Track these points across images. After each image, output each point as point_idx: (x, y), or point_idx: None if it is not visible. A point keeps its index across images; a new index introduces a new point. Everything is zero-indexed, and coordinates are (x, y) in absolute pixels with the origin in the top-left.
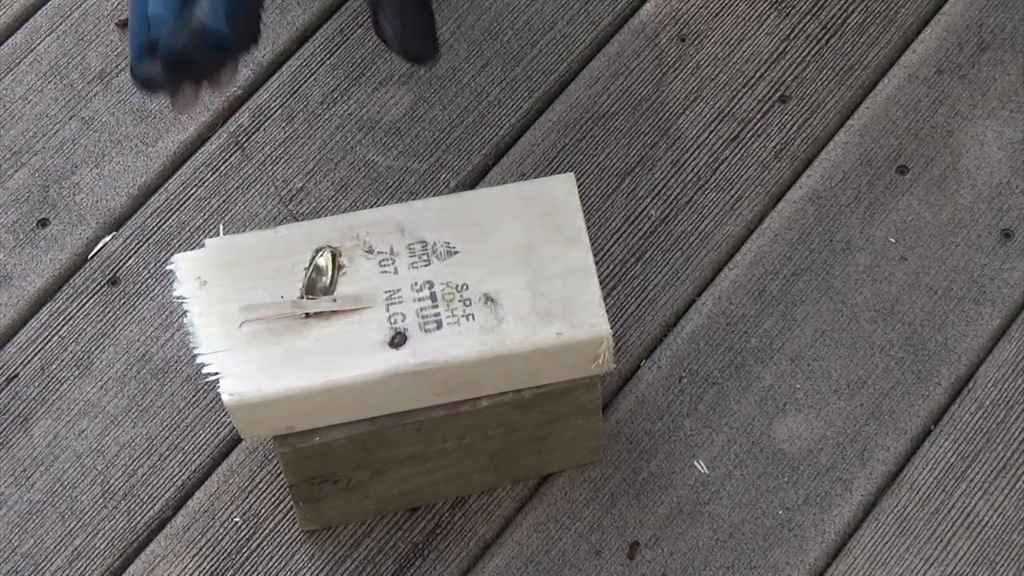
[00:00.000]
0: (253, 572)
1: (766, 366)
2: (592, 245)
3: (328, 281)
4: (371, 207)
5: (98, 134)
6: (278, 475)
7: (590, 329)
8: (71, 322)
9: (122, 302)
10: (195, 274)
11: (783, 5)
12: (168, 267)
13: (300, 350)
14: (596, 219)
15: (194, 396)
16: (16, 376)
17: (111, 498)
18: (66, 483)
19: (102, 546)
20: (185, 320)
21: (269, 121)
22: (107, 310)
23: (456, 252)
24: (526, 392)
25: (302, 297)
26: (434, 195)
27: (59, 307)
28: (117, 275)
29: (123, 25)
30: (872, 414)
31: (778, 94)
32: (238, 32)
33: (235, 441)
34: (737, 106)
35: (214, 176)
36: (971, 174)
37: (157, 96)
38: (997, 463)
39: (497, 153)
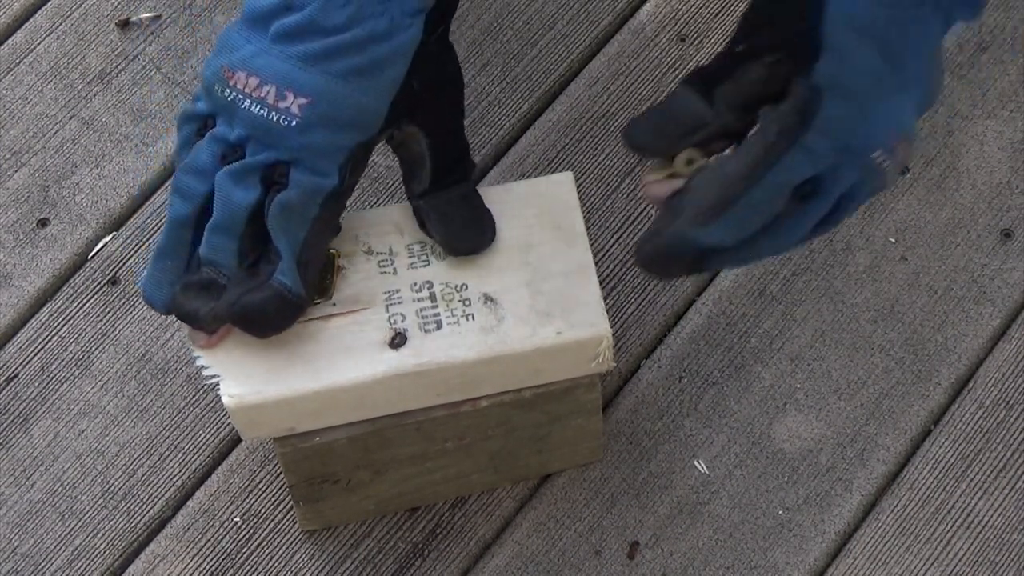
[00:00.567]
0: (253, 572)
1: (766, 366)
2: (592, 245)
3: (327, 282)
4: (370, 207)
5: (98, 134)
6: (278, 475)
7: (590, 328)
8: (71, 322)
9: (122, 302)
10: None
11: None
12: None
13: (300, 351)
14: (596, 219)
15: (194, 396)
16: (16, 376)
17: (111, 498)
18: (66, 483)
19: (102, 546)
20: None
21: None
22: (107, 310)
23: None
24: (526, 392)
25: None
26: None
27: (59, 307)
28: (117, 275)
29: (123, 25)
30: (872, 414)
31: None
32: (308, 290)
33: (235, 441)
34: None
35: None
36: (971, 174)
37: (190, 329)
38: (997, 463)
39: (497, 153)
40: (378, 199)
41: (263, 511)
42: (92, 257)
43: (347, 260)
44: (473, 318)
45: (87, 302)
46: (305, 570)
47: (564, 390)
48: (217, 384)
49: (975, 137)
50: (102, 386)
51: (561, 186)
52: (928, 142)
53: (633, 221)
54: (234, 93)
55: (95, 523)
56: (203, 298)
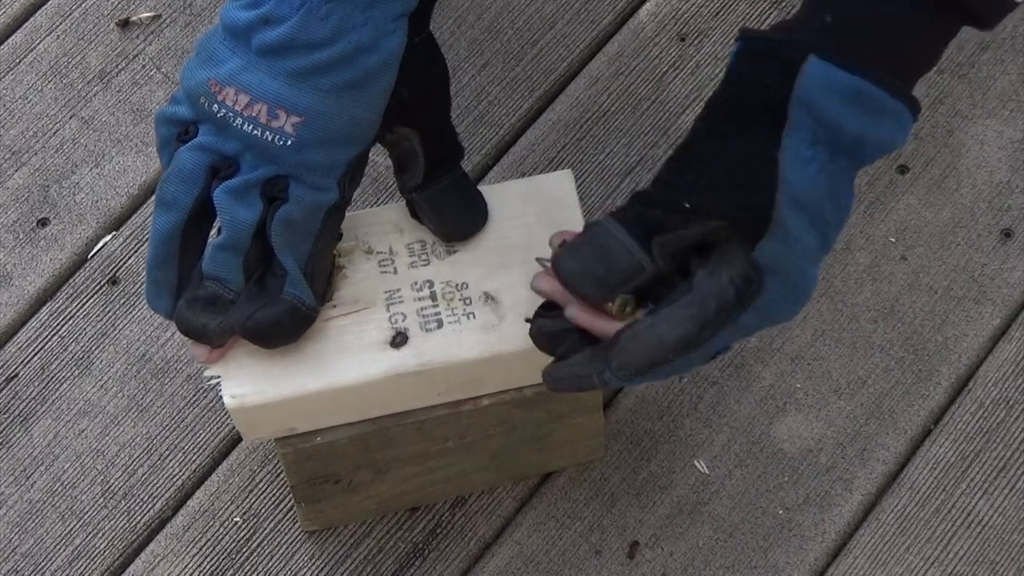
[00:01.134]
0: (253, 572)
1: (766, 366)
2: None
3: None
4: (370, 207)
5: (98, 134)
6: (278, 475)
7: None
8: (71, 322)
9: (122, 302)
10: None
11: (783, 4)
12: None
13: (301, 352)
14: None
15: (194, 396)
16: (16, 376)
17: (111, 498)
18: (66, 483)
19: (102, 546)
20: None
21: None
22: (107, 310)
23: (455, 251)
24: (527, 390)
25: None
26: None
27: (59, 307)
28: (117, 275)
29: (123, 25)
30: (872, 414)
31: None
32: (319, 299)
33: (235, 441)
34: None
35: None
36: (971, 174)
37: (193, 343)
38: (997, 463)
39: (497, 152)
40: (378, 199)
41: (263, 511)
42: (92, 257)
43: (347, 260)
44: (474, 317)
45: (87, 302)
46: (305, 570)
47: None
48: (218, 385)
49: (975, 137)
50: (102, 386)
51: (561, 184)
52: (928, 142)
53: None
54: (224, 110)
55: (95, 523)
56: (210, 313)
